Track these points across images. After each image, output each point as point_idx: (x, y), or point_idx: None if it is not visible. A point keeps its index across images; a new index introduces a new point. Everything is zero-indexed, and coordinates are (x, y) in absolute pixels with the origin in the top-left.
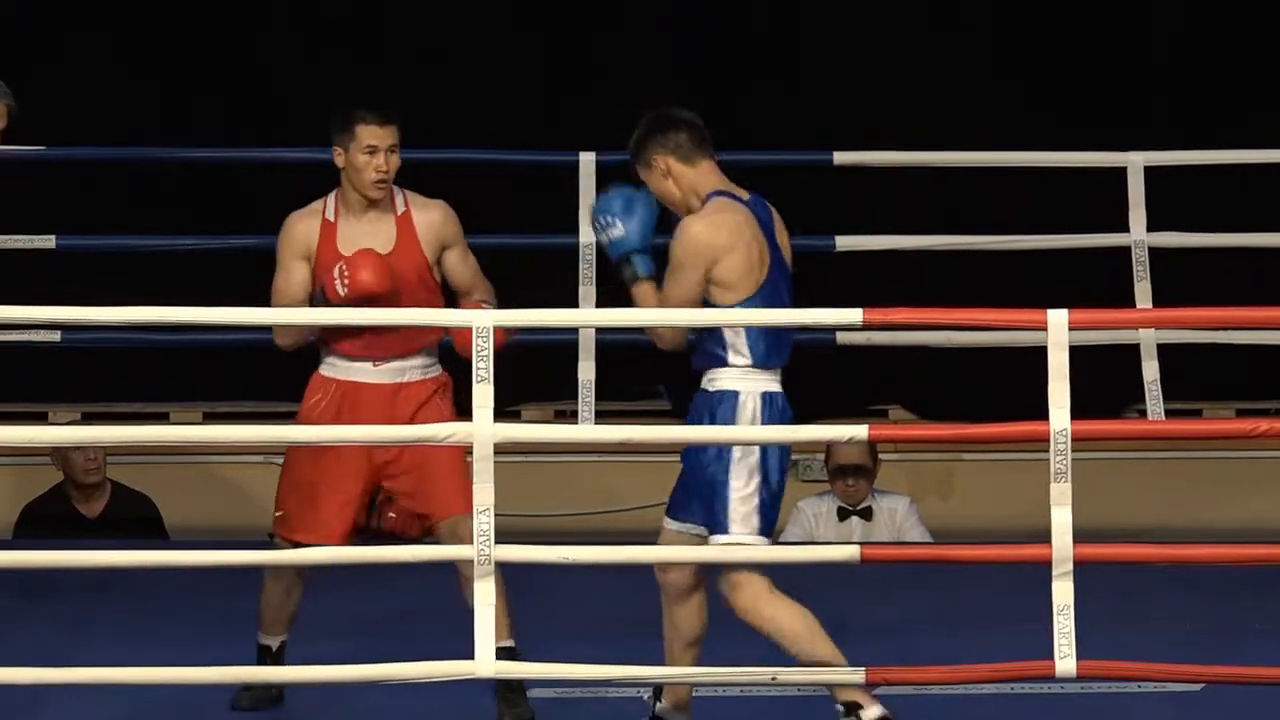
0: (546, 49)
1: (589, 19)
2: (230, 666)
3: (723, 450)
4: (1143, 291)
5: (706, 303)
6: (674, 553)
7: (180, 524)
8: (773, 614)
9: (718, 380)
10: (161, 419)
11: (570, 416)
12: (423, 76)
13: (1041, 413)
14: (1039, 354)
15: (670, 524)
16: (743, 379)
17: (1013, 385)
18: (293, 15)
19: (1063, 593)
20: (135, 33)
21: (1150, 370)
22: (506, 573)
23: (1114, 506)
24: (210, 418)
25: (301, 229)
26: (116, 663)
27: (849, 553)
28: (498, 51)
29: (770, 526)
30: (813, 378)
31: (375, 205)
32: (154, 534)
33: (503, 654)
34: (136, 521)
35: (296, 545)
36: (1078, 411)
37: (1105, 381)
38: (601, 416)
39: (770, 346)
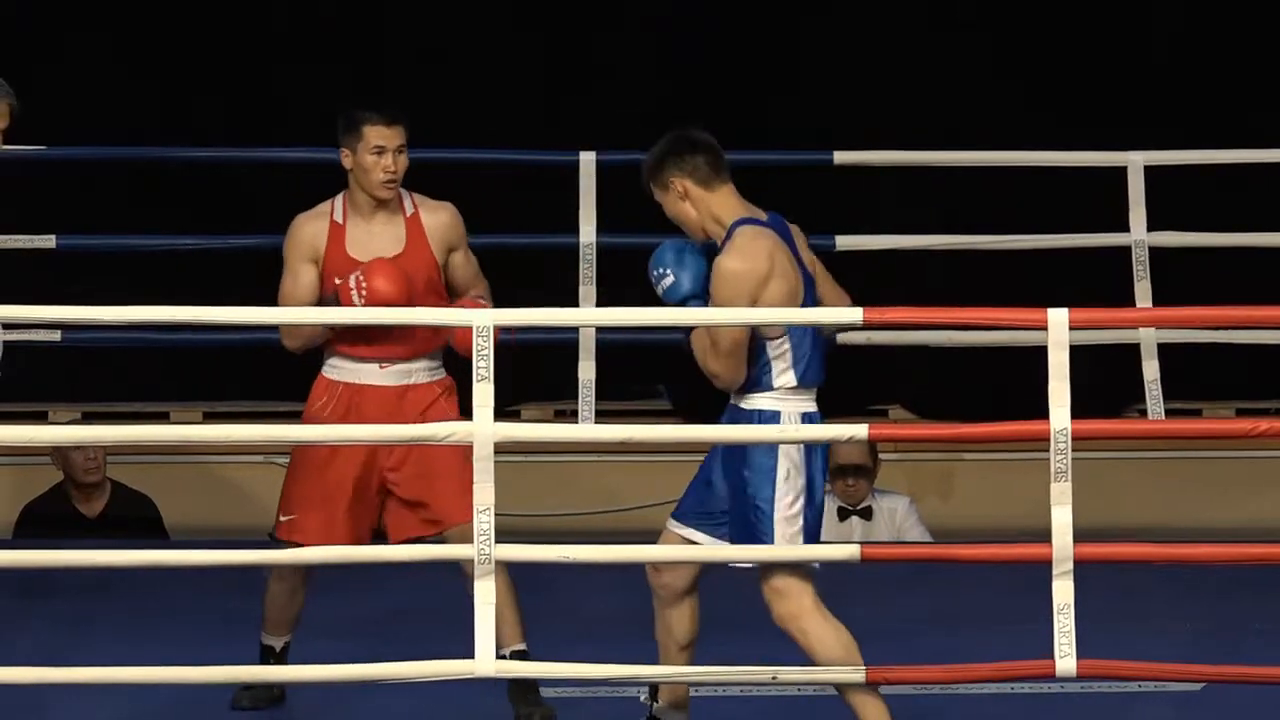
0: (546, 49)
1: (589, 19)
2: (230, 666)
3: (768, 469)
4: (1143, 291)
5: (754, 333)
6: (673, 552)
7: (180, 524)
8: (813, 629)
9: (756, 400)
10: (161, 419)
11: (570, 416)
12: (423, 76)
13: (1041, 412)
14: (1039, 354)
15: (675, 527)
16: (783, 400)
17: (1013, 385)
18: (293, 15)
19: (1063, 592)
20: (135, 33)
21: (1150, 370)
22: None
23: (1114, 506)
24: (210, 417)
25: (309, 231)
26: (116, 663)
27: (849, 552)
28: (498, 51)
29: (813, 540)
30: None
31: (384, 207)
32: (154, 534)
33: (516, 658)
34: (136, 521)
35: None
36: (1078, 411)
37: (1105, 381)
38: (601, 416)
39: (812, 366)
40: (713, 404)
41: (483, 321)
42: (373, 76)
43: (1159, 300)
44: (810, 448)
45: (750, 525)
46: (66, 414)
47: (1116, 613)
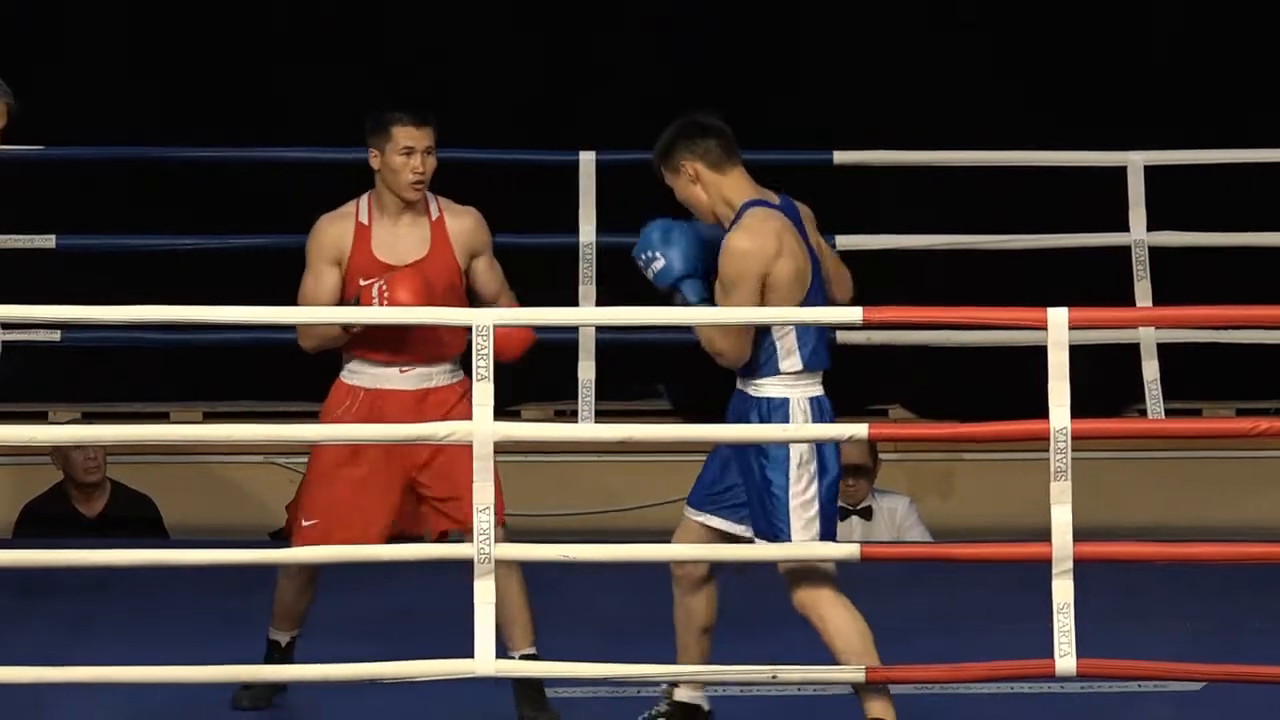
0: (546, 49)
1: (589, 19)
2: (230, 666)
3: (780, 459)
4: (1143, 291)
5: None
6: (672, 551)
7: (180, 524)
8: (831, 617)
9: (764, 386)
10: (161, 418)
11: (570, 416)
12: (423, 76)
13: (1041, 412)
14: (1039, 353)
15: (692, 515)
16: (792, 385)
17: (1013, 385)
18: (293, 15)
19: (1063, 591)
20: (135, 33)
21: (1150, 369)
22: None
23: (1114, 506)
24: (210, 417)
25: (334, 233)
26: (116, 663)
27: (849, 552)
28: (498, 51)
29: (831, 531)
30: None
31: (410, 209)
32: (154, 533)
33: (525, 660)
34: (136, 521)
35: None
36: (1078, 411)
37: (1105, 381)
38: (601, 416)
39: (816, 351)
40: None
41: (483, 322)
42: (373, 76)
43: (1159, 300)
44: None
45: (767, 512)
46: (66, 414)
47: (1116, 612)
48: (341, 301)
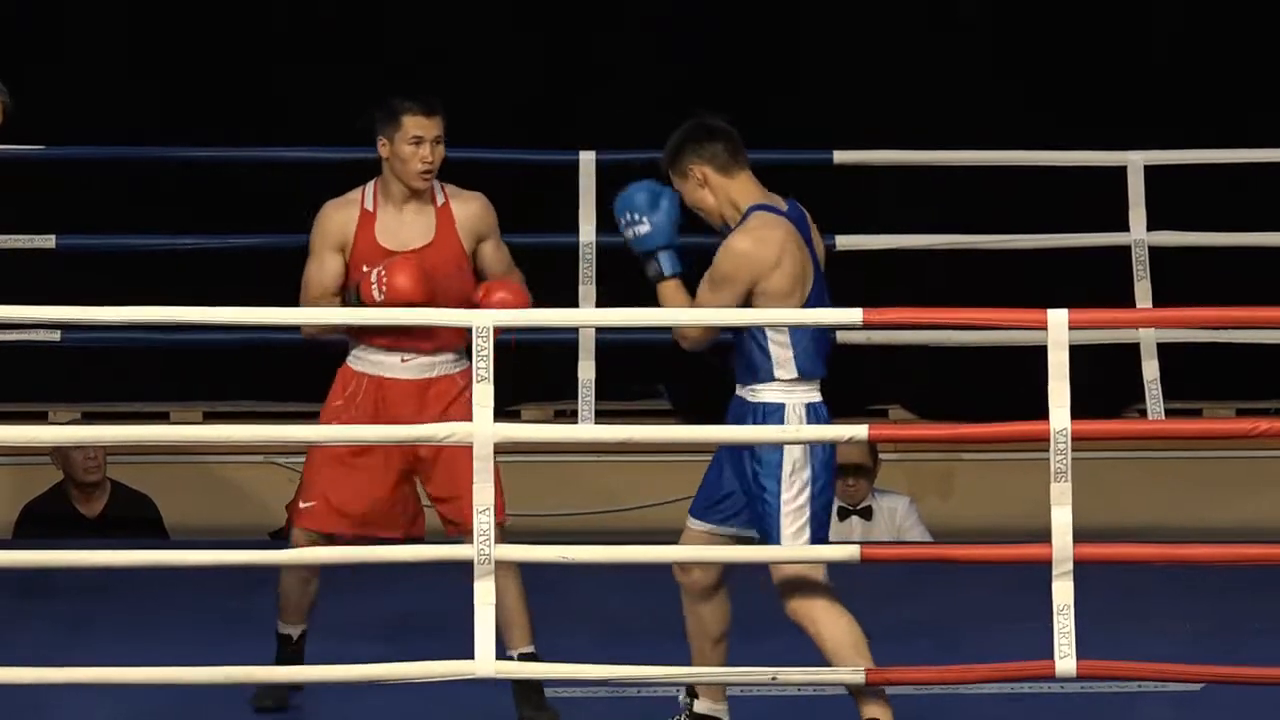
0: (546, 49)
1: (589, 19)
2: (230, 666)
3: (774, 464)
4: (1143, 291)
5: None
6: (670, 552)
7: (180, 524)
8: (823, 620)
9: (761, 392)
10: (161, 419)
11: (570, 416)
12: (423, 76)
13: (1041, 412)
14: (1039, 354)
15: (695, 524)
16: (788, 392)
17: (1013, 385)
18: (293, 15)
19: (1063, 592)
20: (135, 32)
21: (1150, 370)
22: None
23: (1114, 506)
24: (210, 417)
25: (339, 219)
26: (116, 663)
27: (849, 552)
28: (498, 51)
29: (823, 538)
30: None
31: (416, 197)
32: (154, 534)
33: (525, 660)
34: (136, 521)
35: (323, 535)
36: (1078, 411)
37: (1105, 381)
38: (601, 416)
39: (813, 358)
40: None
41: (482, 322)
42: (373, 76)
43: (1159, 300)
44: (812, 447)
45: (759, 517)
46: (66, 414)
47: (1116, 613)
48: (344, 287)
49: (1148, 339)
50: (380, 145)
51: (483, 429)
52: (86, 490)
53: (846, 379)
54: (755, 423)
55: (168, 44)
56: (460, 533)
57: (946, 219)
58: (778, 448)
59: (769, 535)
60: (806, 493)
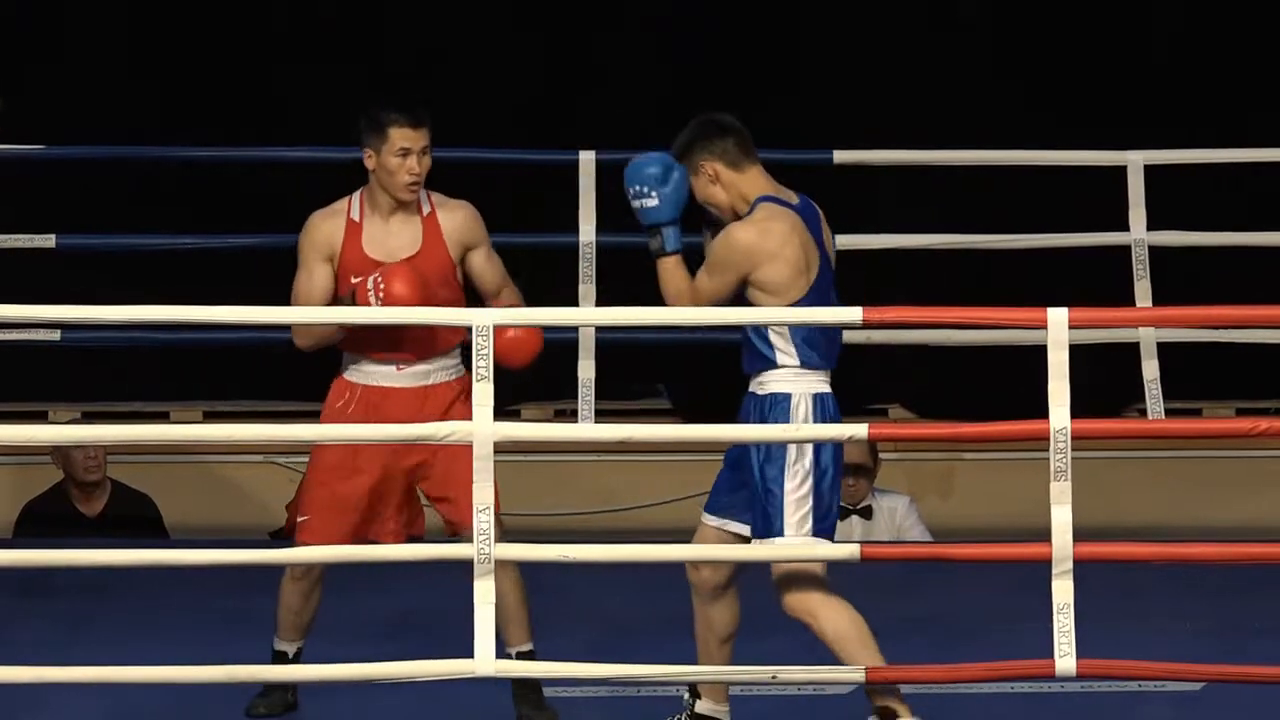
0: (546, 49)
1: (589, 19)
2: (230, 666)
3: (776, 453)
4: (1142, 290)
5: (748, 305)
6: (670, 551)
7: (180, 523)
8: (823, 614)
9: (768, 383)
10: (161, 418)
11: (570, 416)
12: (423, 76)
13: (1041, 412)
14: (1039, 353)
15: (710, 520)
16: (795, 380)
17: (1013, 385)
18: (293, 15)
19: (1062, 591)
20: (135, 32)
21: (1150, 369)
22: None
23: (1114, 505)
24: (210, 417)
25: (325, 229)
26: (116, 662)
27: (849, 552)
28: (498, 51)
29: (827, 529)
30: None
31: (402, 207)
32: (154, 533)
33: (523, 659)
34: (136, 521)
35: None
36: (1077, 410)
37: (1105, 381)
38: (601, 416)
39: (817, 348)
40: (713, 404)
41: (482, 321)
42: (373, 76)
43: (1159, 300)
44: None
45: (763, 509)
46: (66, 413)
47: (1116, 612)
48: (334, 299)
49: (1148, 339)
50: (366, 157)
51: (482, 428)
52: (86, 490)
53: (846, 378)
54: (761, 413)
55: (168, 44)
56: (459, 532)
57: (946, 219)
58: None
59: (771, 524)
60: (809, 482)
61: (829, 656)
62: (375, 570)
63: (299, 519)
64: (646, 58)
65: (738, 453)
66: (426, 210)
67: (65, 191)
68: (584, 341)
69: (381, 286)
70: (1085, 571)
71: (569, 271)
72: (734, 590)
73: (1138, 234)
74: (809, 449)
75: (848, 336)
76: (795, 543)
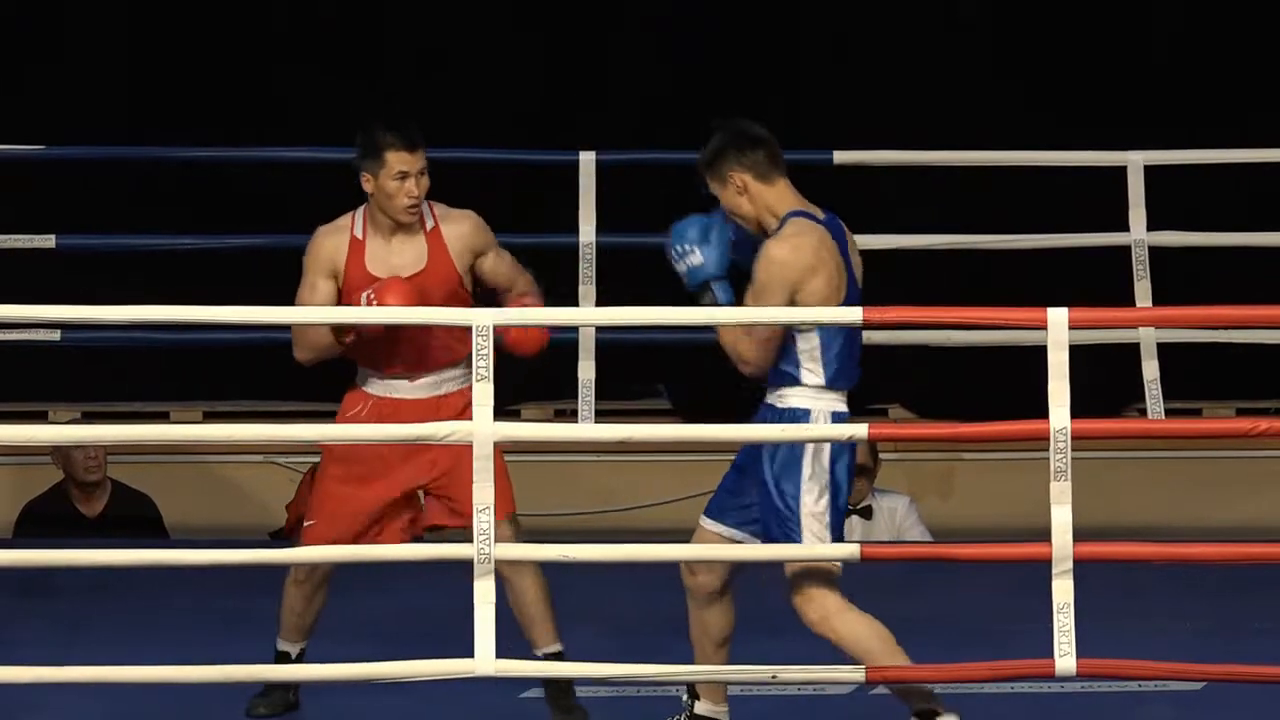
0: (546, 49)
1: (589, 19)
2: (230, 666)
3: (792, 468)
4: (1142, 291)
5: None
6: (670, 551)
7: (180, 523)
8: (843, 628)
9: (788, 398)
10: (161, 418)
11: (570, 416)
12: (423, 77)
13: (1041, 412)
14: (1039, 353)
15: (708, 525)
16: (816, 398)
17: (1013, 385)
18: (293, 15)
19: (1062, 591)
20: (135, 32)
21: (1150, 369)
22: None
23: (1114, 505)
24: (210, 417)
25: (329, 246)
26: (116, 662)
27: (849, 552)
28: (498, 52)
29: (839, 539)
30: None
31: (404, 225)
32: (154, 534)
33: (550, 659)
34: (136, 521)
35: None
36: (1077, 410)
37: (1105, 381)
38: (601, 416)
39: (842, 368)
40: (713, 404)
41: (482, 321)
42: (372, 77)
43: (1159, 300)
44: (836, 447)
45: (779, 523)
46: (66, 414)
47: (1116, 612)
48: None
49: (1148, 339)
50: (364, 180)
51: (482, 428)
52: (87, 490)
53: None
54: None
55: (168, 44)
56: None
57: (946, 219)
58: (798, 453)
59: (789, 539)
60: (826, 497)
61: (829, 656)
62: (376, 570)
63: (305, 524)
64: (646, 58)
65: (747, 460)
66: (430, 225)
67: (65, 191)
68: (584, 342)
69: (374, 301)
70: (1085, 571)
71: (569, 272)
72: (730, 595)
73: (1138, 234)
74: (827, 465)
75: None
76: (795, 543)
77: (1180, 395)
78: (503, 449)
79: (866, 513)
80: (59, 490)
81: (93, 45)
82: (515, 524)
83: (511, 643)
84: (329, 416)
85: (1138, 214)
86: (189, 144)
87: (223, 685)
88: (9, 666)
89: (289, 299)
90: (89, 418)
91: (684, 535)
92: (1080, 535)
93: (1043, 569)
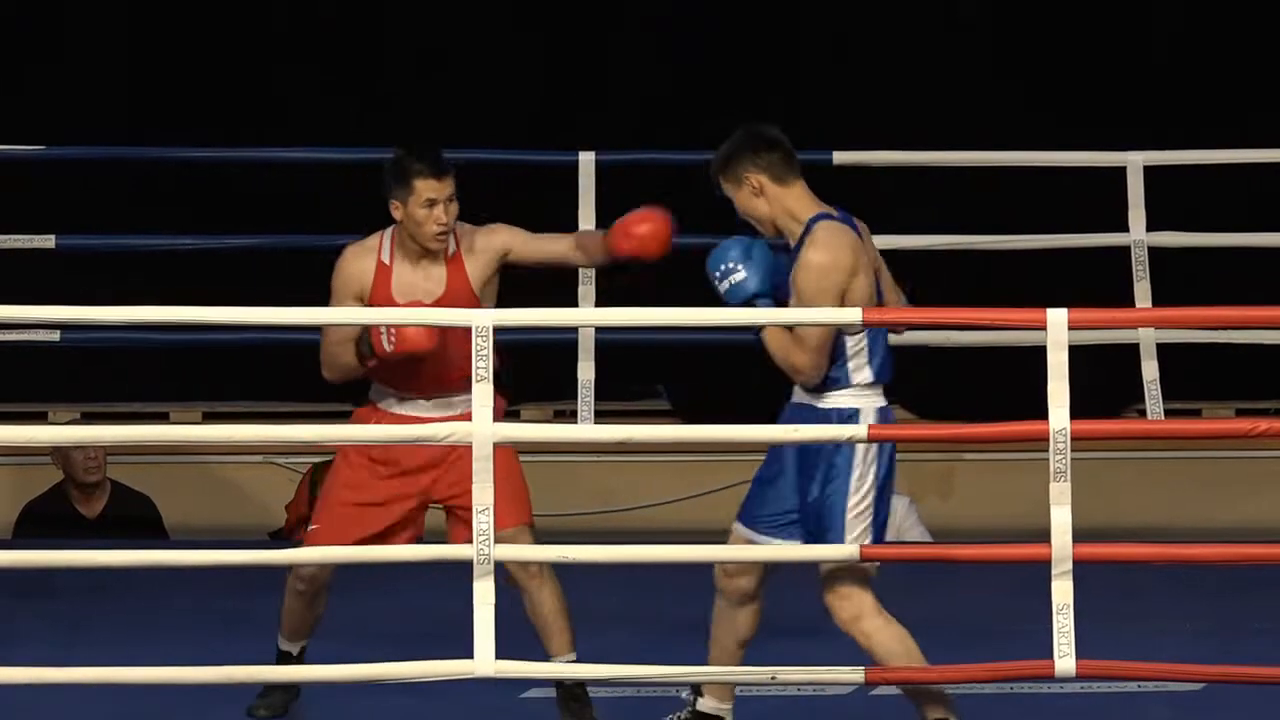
0: (546, 49)
1: (589, 19)
2: (230, 666)
3: (842, 468)
4: (1142, 291)
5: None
6: (670, 552)
7: (180, 524)
8: (873, 632)
9: (832, 397)
10: (161, 419)
11: (570, 416)
12: (422, 77)
13: (1041, 412)
14: (1039, 353)
15: (743, 532)
16: (860, 396)
17: (1012, 385)
18: (293, 15)
19: (1062, 592)
20: (135, 32)
21: (1150, 370)
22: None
23: (1113, 506)
24: (210, 417)
25: (357, 268)
26: (116, 662)
27: (849, 552)
28: (498, 52)
29: (880, 539)
30: None
31: (430, 251)
32: (154, 534)
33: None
34: (136, 521)
35: None
36: (1077, 411)
37: (1104, 381)
38: (601, 416)
39: (884, 363)
40: (713, 404)
41: (482, 322)
42: (372, 77)
43: (1158, 300)
44: (880, 449)
45: (821, 522)
46: (66, 414)
47: (1116, 613)
48: (361, 338)
49: (1147, 339)
50: (393, 207)
51: (482, 429)
52: (86, 490)
53: None
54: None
55: (168, 44)
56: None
57: (946, 219)
58: (848, 454)
59: (827, 536)
60: (870, 497)
61: (828, 656)
62: (376, 570)
63: (310, 528)
64: (646, 58)
65: (786, 464)
66: (451, 251)
67: (65, 191)
68: (584, 342)
69: (393, 330)
70: (1085, 572)
71: (569, 271)
72: (760, 598)
73: (1137, 234)
74: (874, 465)
75: None
76: (794, 543)
77: (1180, 396)
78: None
79: None
80: (59, 491)
81: (93, 45)
82: (533, 533)
83: (511, 643)
84: (329, 417)
85: (1137, 214)
86: (189, 144)
87: (223, 685)
88: (9, 667)
89: (288, 299)
90: (89, 418)
91: (684, 535)
92: (1080, 536)
93: (1042, 570)
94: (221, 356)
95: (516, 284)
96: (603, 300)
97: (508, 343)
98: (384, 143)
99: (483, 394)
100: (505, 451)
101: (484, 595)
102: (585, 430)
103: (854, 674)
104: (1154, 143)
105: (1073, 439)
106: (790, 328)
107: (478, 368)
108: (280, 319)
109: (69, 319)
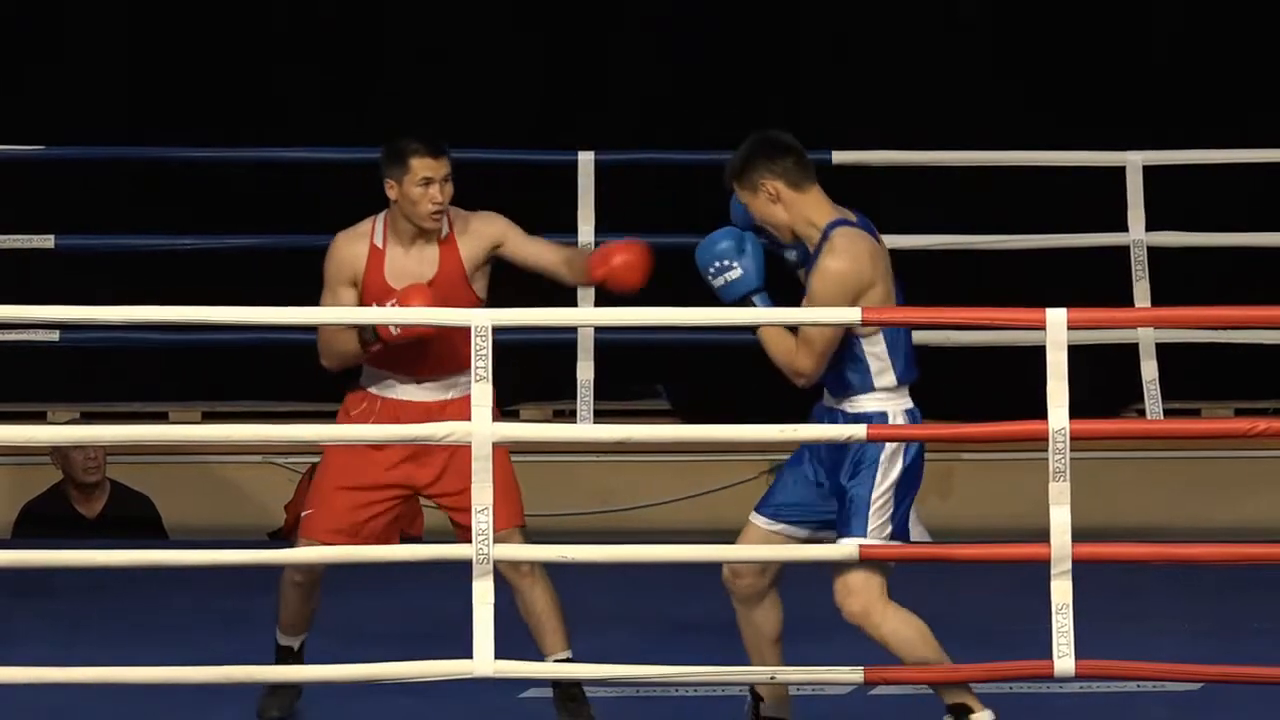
0: (546, 49)
1: (589, 19)
2: (230, 666)
3: (870, 461)
4: (1141, 291)
5: (850, 334)
6: (670, 552)
7: (179, 524)
8: (884, 622)
9: (860, 402)
10: (161, 419)
11: (569, 416)
12: (422, 76)
13: (1040, 412)
14: (1039, 353)
15: (762, 524)
16: (887, 400)
17: (1012, 385)
18: (293, 15)
19: (1061, 592)
20: (135, 32)
21: (1149, 369)
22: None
23: (1113, 506)
24: (210, 417)
25: (349, 253)
26: (116, 663)
27: (848, 551)
28: (498, 51)
29: (903, 536)
30: None
31: (424, 233)
32: (153, 534)
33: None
34: (136, 521)
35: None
36: (1076, 411)
37: (1104, 381)
38: (600, 416)
39: (908, 363)
40: (712, 404)
41: (481, 322)
42: (372, 77)
43: (1158, 300)
44: (907, 446)
45: (845, 515)
46: (66, 414)
47: (1115, 613)
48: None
49: (1146, 339)
50: (388, 187)
51: (481, 428)
52: (86, 490)
53: None
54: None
55: (168, 44)
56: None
57: (946, 219)
58: (874, 451)
59: (851, 529)
60: (894, 492)
61: (829, 656)
62: (376, 570)
63: (303, 513)
64: (646, 58)
65: (828, 460)
66: (444, 233)
67: (65, 191)
68: (583, 342)
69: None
70: (1084, 572)
71: None
72: (776, 592)
73: (1137, 234)
74: (899, 459)
75: None
76: (794, 543)
77: (1179, 395)
78: (504, 450)
79: None
80: (58, 491)
81: (93, 45)
82: (524, 535)
83: (511, 643)
84: (328, 416)
85: (1137, 214)
86: (189, 144)
87: (222, 685)
88: (9, 667)
89: (288, 299)
90: (88, 418)
91: (683, 535)
92: (1079, 536)
93: (1042, 569)
94: (221, 356)
95: (517, 284)
96: (602, 300)
97: (507, 343)
98: (384, 143)
99: (482, 394)
100: (498, 452)
101: (483, 595)
102: (584, 430)
103: (853, 674)
104: (1154, 143)
105: (1072, 439)
106: (794, 329)
107: (477, 368)
108: (280, 319)
109: (69, 319)
